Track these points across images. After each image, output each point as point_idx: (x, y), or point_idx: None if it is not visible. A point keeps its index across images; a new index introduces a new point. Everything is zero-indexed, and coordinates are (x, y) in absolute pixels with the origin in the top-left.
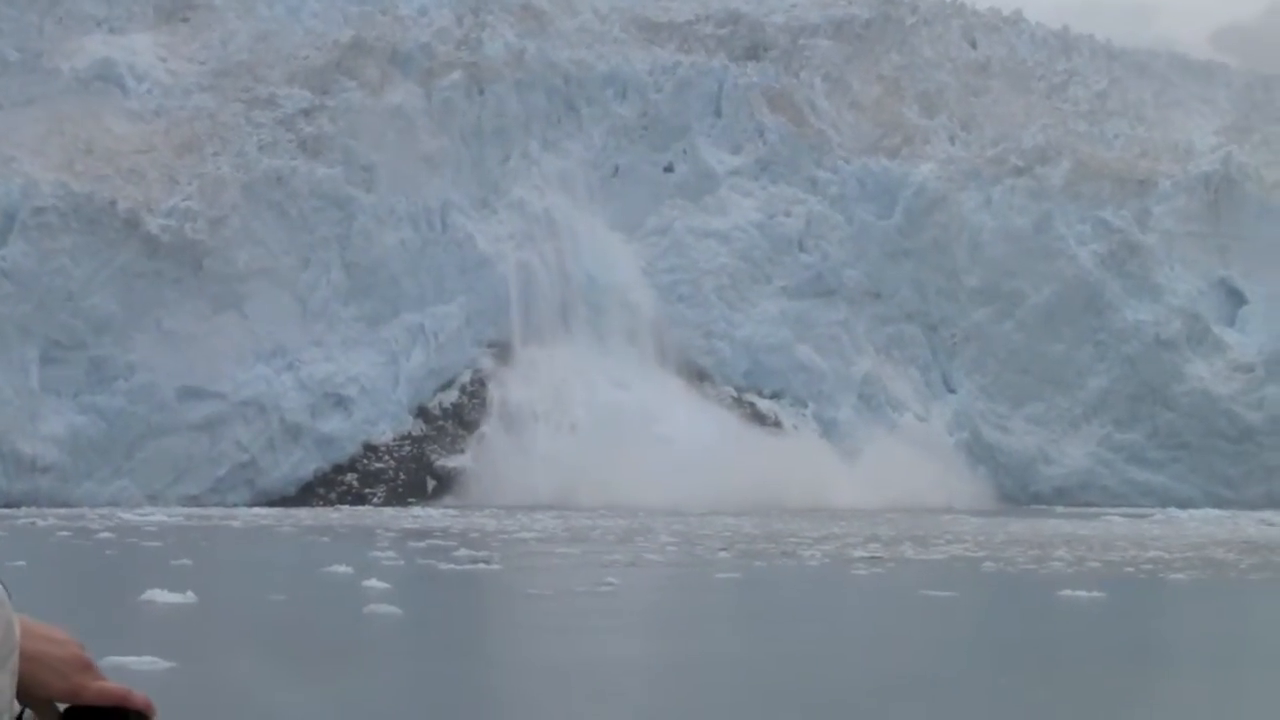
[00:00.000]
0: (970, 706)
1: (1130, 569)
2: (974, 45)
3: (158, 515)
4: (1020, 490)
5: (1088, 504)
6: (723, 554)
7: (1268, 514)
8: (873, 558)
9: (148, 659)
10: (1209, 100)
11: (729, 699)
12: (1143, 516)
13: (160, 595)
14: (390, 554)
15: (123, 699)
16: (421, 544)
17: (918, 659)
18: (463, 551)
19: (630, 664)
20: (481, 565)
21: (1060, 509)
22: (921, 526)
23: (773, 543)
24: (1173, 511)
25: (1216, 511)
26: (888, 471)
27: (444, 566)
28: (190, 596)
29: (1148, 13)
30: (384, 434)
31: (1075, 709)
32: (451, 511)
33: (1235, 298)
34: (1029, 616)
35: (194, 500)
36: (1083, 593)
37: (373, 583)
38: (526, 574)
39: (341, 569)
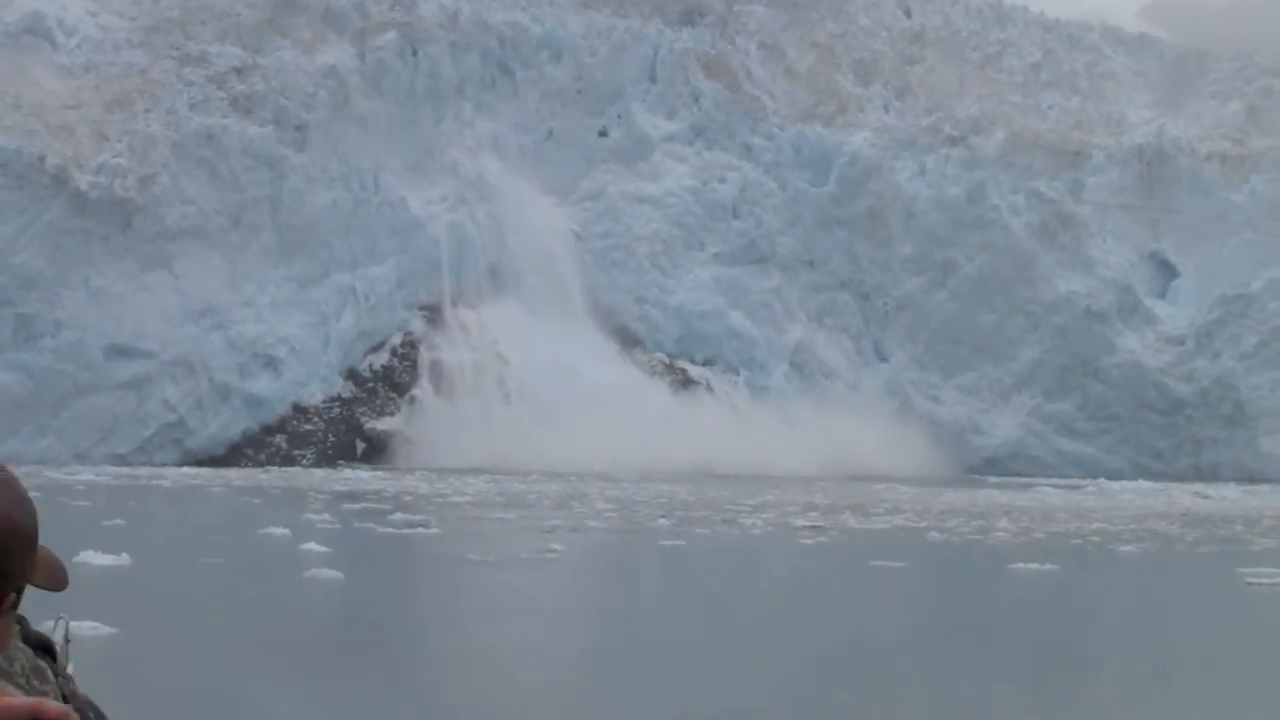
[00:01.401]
0: (955, 685)
1: (1077, 541)
2: (908, 14)
3: (85, 474)
4: (951, 460)
5: (1017, 474)
6: (662, 520)
7: (1198, 486)
8: (814, 526)
9: (89, 624)
10: (1141, 73)
11: (702, 678)
12: (1075, 488)
13: (95, 557)
14: (325, 517)
15: (35, 713)
16: (355, 507)
17: (887, 634)
18: (398, 515)
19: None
20: (420, 530)
21: (993, 479)
22: (856, 495)
23: (710, 510)
24: (1104, 483)
25: (1148, 483)
26: (819, 440)
27: (381, 530)
28: (125, 559)
29: None
30: (314, 395)
31: (1068, 685)
32: (382, 474)
33: (1167, 271)
34: (988, 589)
35: (121, 459)
36: (1035, 565)
37: (311, 546)
38: (466, 539)
39: (278, 531)
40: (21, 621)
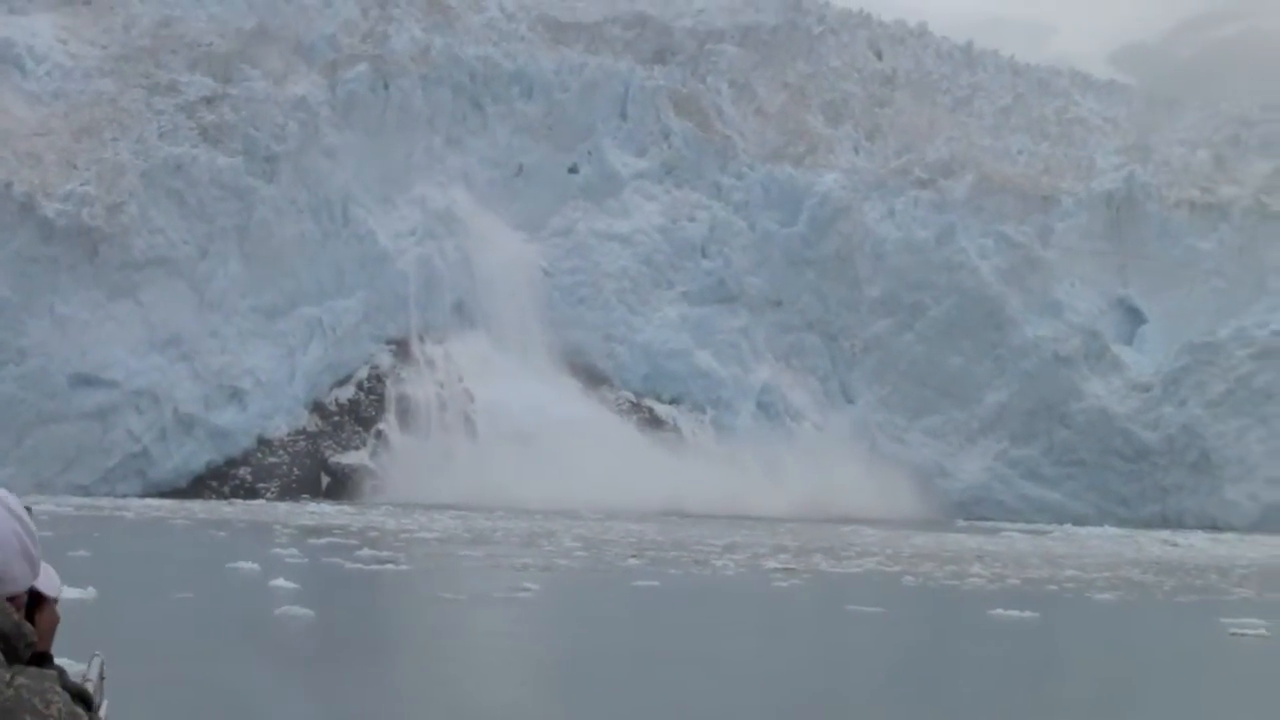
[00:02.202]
0: None
1: (1053, 587)
2: (879, 56)
3: (47, 504)
4: (916, 503)
5: (982, 518)
6: (633, 560)
7: (1164, 533)
8: (786, 569)
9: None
10: (1110, 119)
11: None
12: (1042, 533)
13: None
14: (292, 551)
15: None
16: (321, 541)
17: (874, 684)
18: (365, 551)
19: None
20: (389, 566)
21: (960, 522)
22: (825, 537)
23: (680, 550)
24: (1070, 528)
25: (1114, 529)
26: (784, 481)
27: (350, 566)
28: (92, 592)
29: (1047, 30)
30: (279, 428)
31: None
32: (347, 509)
33: (1134, 316)
34: (970, 637)
35: (83, 490)
36: (1015, 612)
37: (280, 582)
38: (436, 576)
39: (247, 565)
40: (60, 670)
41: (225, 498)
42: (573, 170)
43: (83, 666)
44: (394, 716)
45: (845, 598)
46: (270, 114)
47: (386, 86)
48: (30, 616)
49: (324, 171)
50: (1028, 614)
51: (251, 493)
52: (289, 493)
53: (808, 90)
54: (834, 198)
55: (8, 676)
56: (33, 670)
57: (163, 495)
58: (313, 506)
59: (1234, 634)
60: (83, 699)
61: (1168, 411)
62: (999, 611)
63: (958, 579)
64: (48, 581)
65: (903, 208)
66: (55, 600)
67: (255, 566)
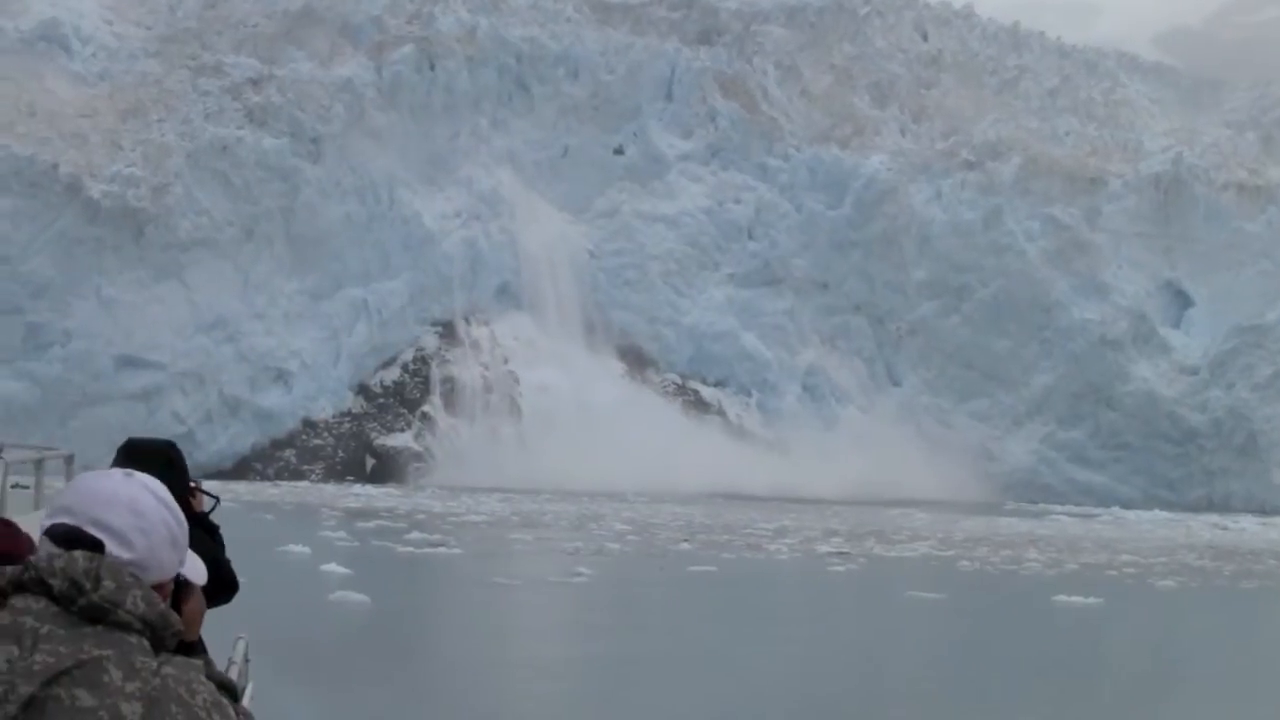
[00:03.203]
0: None
1: (1112, 573)
2: (925, 38)
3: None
4: (963, 486)
5: (1028, 501)
6: (685, 544)
7: (1212, 517)
8: (840, 553)
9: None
10: (1158, 101)
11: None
12: (1090, 516)
13: None
14: (341, 534)
15: None
16: (370, 524)
17: (952, 670)
18: (415, 534)
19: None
20: (440, 550)
21: (1007, 505)
22: (873, 520)
23: (730, 533)
24: (1118, 512)
25: (1163, 513)
26: (829, 463)
27: (400, 549)
28: None
29: (1092, 12)
30: (324, 410)
31: None
32: (393, 491)
33: (1182, 299)
34: (1040, 624)
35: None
36: (1079, 598)
37: (333, 567)
38: (488, 560)
39: (297, 549)
40: (207, 660)
41: (270, 480)
42: (618, 152)
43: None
44: (464, 710)
45: (904, 583)
46: (316, 95)
47: (432, 68)
48: (176, 605)
49: (369, 153)
50: (1092, 600)
51: (297, 475)
52: (334, 475)
53: (854, 72)
54: (880, 180)
55: (154, 665)
56: (179, 660)
57: (207, 477)
58: (358, 489)
59: None
60: (228, 689)
61: (1215, 395)
62: (1062, 598)
63: (1015, 564)
64: (193, 569)
65: (949, 190)
66: (200, 587)
67: (306, 550)
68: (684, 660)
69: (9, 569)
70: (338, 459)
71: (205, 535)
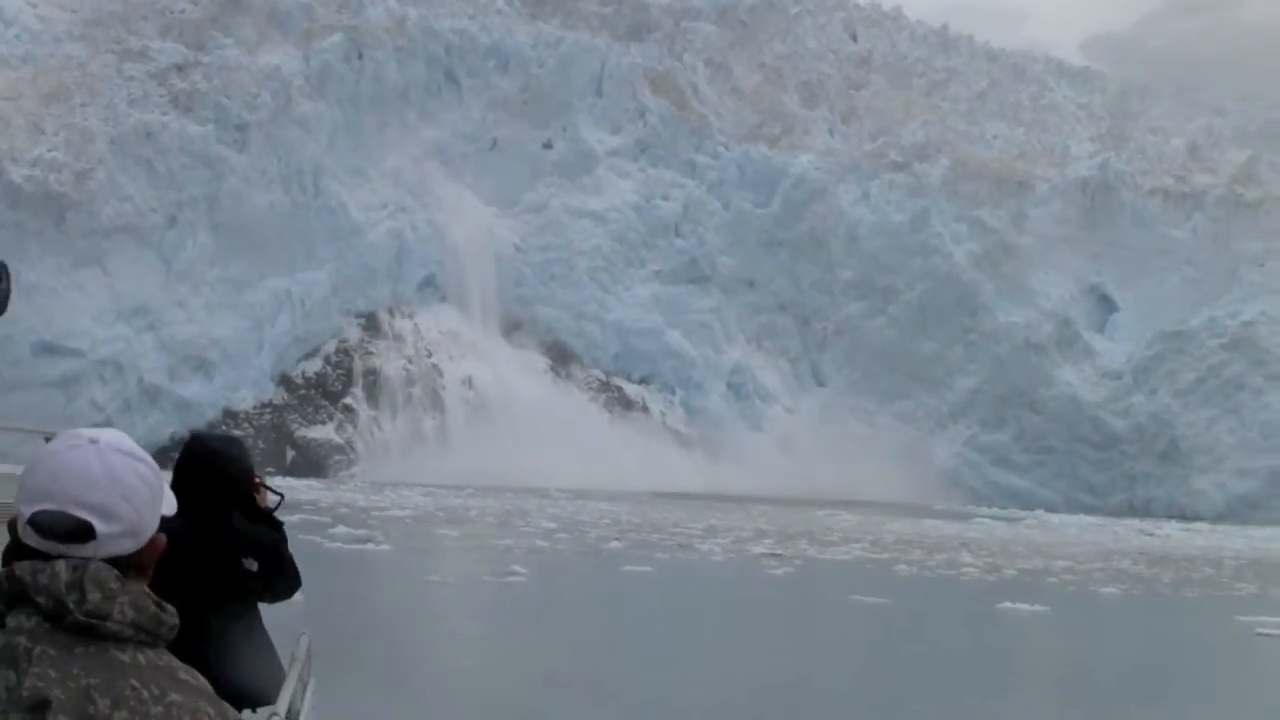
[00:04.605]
0: None
1: (1052, 580)
2: (855, 38)
3: (7, 470)
4: (886, 487)
5: (951, 504)
6: (616, 543)
7: (1135, 522)
8: (773, 554)
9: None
10: (1084, 106)
11: None
12: (1015, 520)
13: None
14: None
15: None
16: (293, 518)
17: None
18: (340, 529)
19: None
20: (369, 546)
21: (934, 507)
22: (800, 521)
23: (659, 532)
24: (1042, 516)
25: (1087, 518)
26: (754, 462)
27: (329, 545)
28: None
29: (1019, 17)
30: (245, 400)
31: None
32: (314, 484)
33: (1106, 304)
34: (987, 631)
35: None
36: (1024, 605)
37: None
38: (419, 557)
39: None
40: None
41: None
42: (547, 146)
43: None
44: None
45: (845, 587)
46: (243, 83)
47: (361, 57)
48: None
49: (296, 142)
50: (1038, 608)
51: None
52: (254, 466)
53: (784, 71)
54: (809, 179)
55: (157, 691)
56: (189, 684)
57: None
58: (279, 481)
59: (1261, 634)
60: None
61: (1138, 400)
62: (1008, 605)
63: (952, 568)
64: (169, 505)
65: (877, 191)
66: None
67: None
68: (642, 665)
69: None
70: (258, 450)
71: (270, 530)
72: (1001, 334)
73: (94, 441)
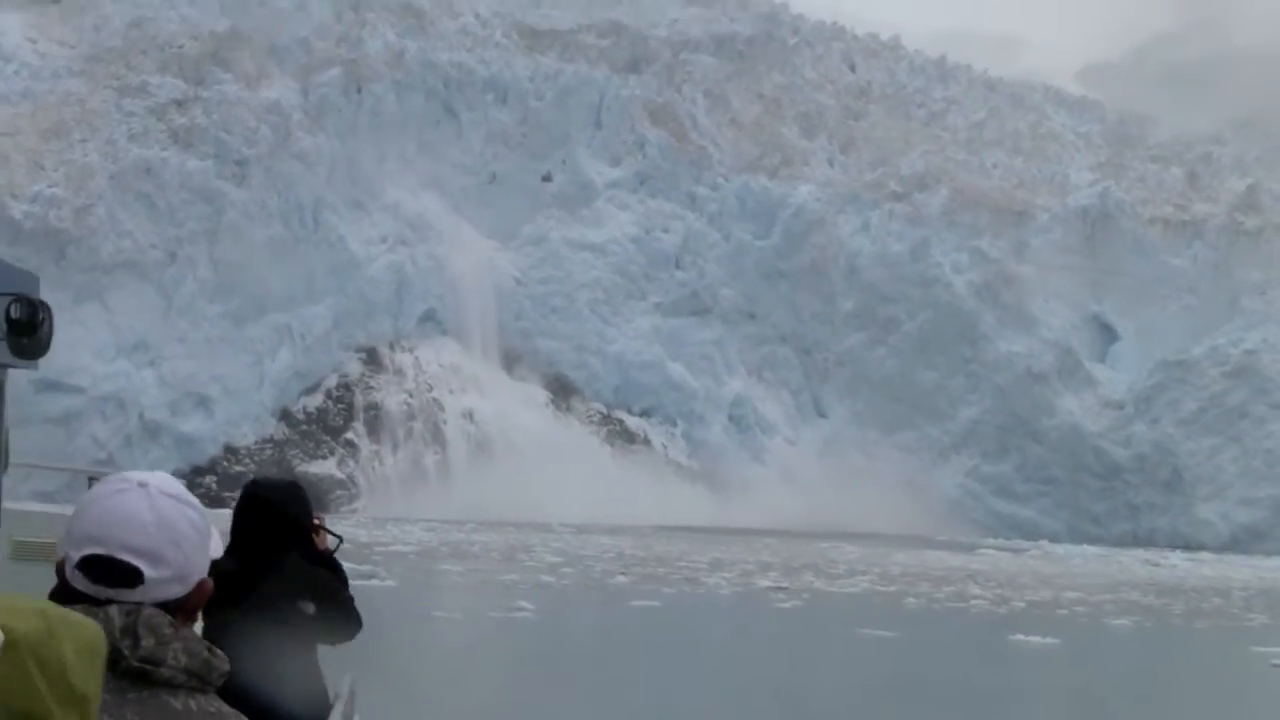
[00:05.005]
0: None
1: (1062, 612)
2: (853, 69)
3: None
4: (888, 519)
5: (953, 535)
6: (621, 577)
7: (1139, 552)
8: (780, 588)
9: None
10: (1083, 135)
11: None
12: (1020, 551)
13: None
14: None
15: None
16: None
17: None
18: (345, 565)
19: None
20: (374, 581)
21: (938, 538)
22: (804, 554)
23: (664, 566)
24: (1046, 546)
25: (1091, 549)
26: (756, 494)
27: None
28: None
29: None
30: (245, 436)
31: None
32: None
33: (1108, 333)
34: (1001, 665)
35: (47, 497)
36: (1035, 638)
37: None
38: (425, 593)
39: None
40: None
41: None
42: (546, 179)
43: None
44: None
45: (853, 620)
46: (242, 117)
47: (359, 91)
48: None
49: (295, 176)
50: (1049, 640)
51: (218, 502)
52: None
53: (782, 102)
54: (808, 210)
55: None
56: None
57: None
58: None
59: (1277, 665)
60: None
61: (1140, 429)
62: (1019, 637)
63: (960, 600)
64: (216, 548)
65: (877, 221)
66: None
67: None
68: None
69: None
70: None
71: (329, 573)
72: (1003, 364)
73: (142, 485)
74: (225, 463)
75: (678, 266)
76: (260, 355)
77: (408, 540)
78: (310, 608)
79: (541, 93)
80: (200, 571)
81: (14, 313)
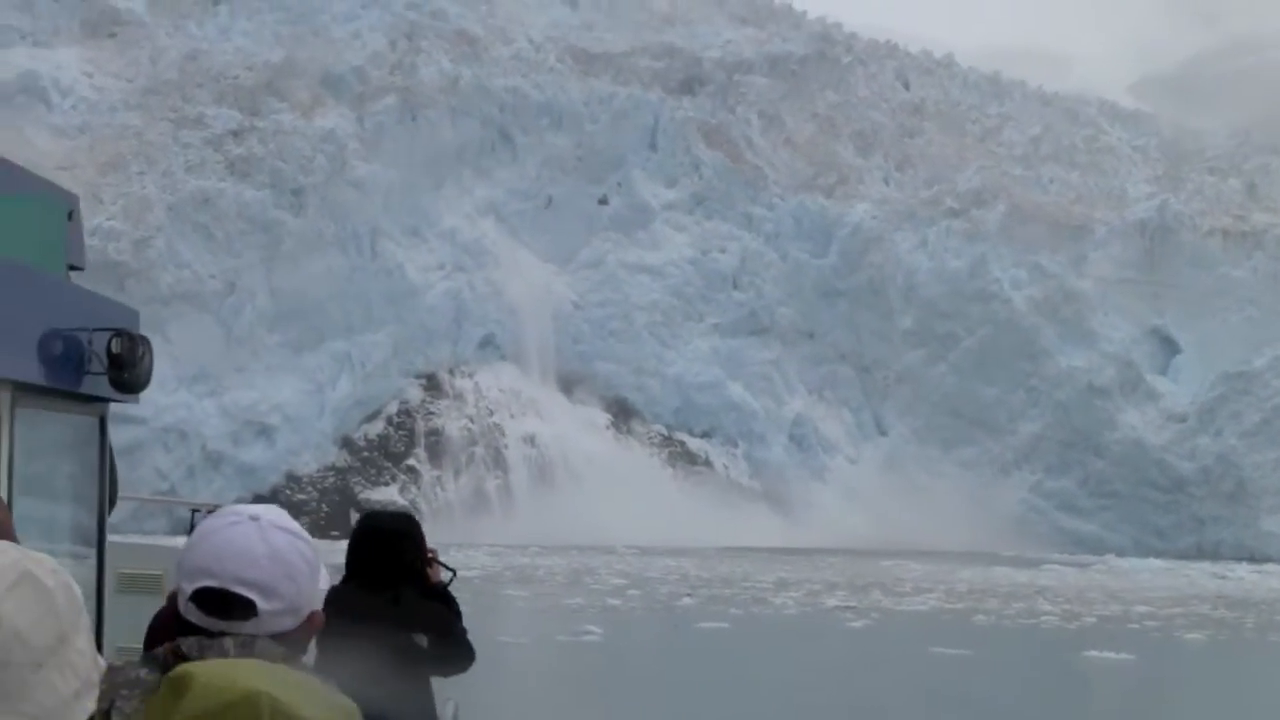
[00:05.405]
0: None
1: (1134, 626)
2: (907, 86)
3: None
4: (952, 535)
5: (1018, 550)
6: (687, 599)
7: (1205, 565)
8: (849, 607)
9: None
10: (1139, 148)
11: None
12: (1085, 566)
13: None
14: None
15: None
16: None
17: None
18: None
19: None
20: None
21: (1003, 554)
22: (869, 572)
23: (730, 587)
24: (1112, 561)
25: (1157, 562)
26: (819, 513)
27: None
28: None
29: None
30: (307, 464)
31: None
32: None
33: (1169, 346)
34: (1077, 682)
35: (111, 528)
36: (1109, 654)
37: None
38: (490, 617)
39: None
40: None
41: None
42: (602, 201)
43: None
44: None
45: (925, 639)
46: (297, 147)
47: (414, 118)
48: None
49: (352, 204)
50: (1124, 656)
51: None
52: (318, 530)
53: (837, 120)
54: (865, 228)
55: None
56: None
57: (190, 534)
58: (343, 545)
59: None
60: None
61: (1203, 442)
62: (1094, 653)
63: (1030, 617)
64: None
65: (934, 238)
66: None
67: None
68: None
69: (157, 653)
70: (322, 514)
71: (443, 606)
72: (1064, 379)
73: (255, 519)
74: (287, 491)
75: (735, 287)
76: (320, 384)
77: (471, 565)
78: (425, 640)
79: (596, 116)
80: (311, 604)
81: (115, 348)
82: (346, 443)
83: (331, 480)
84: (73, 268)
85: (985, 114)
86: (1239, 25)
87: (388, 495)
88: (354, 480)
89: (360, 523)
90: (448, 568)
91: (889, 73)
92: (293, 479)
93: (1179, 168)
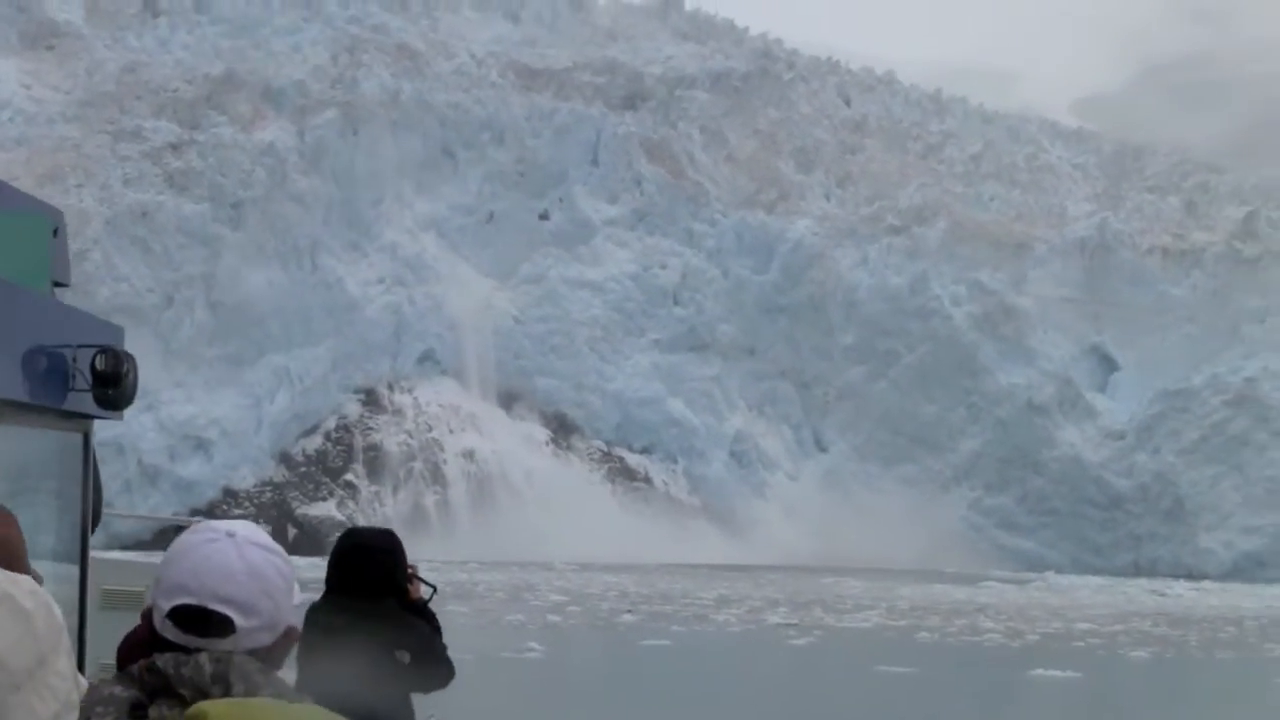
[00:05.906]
0: None
1: (1079, 644)
2: (848, 103)
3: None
4: (891, 552)
5: (956, 567)
6: (628, 616)
7: (1142, 582)
8: (790, 624)
9: None
10: (1080, 166)
11: None
12: (1024, 582)
13: None
14: None
15: None
16: (298, 599)
17: None
18: None
19: None
20: None
21: (943, 571)
22: (809, 589)
23: (670, 603)
24: (1051, 578)
25: (1095, 579)
26: (758, 529)
27: None
28: None
29: (1010, 79)
30: (245, 479)
31: None
32: (318, 562)
33: (1107, 364)
34: (1025, 701)
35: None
36: (1055, 672)
37: None
38: None
39: None
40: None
41: None
42: (544, 217)
43: None
44: None
45: (869, 657)
46: (237, 160)
47: (356, 132)
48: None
49: (292, 218)
50: (1070, 674)
51: None
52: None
53: (778, 137)
54: (806, 245)
55: None
56: None
57: (125, 548)
58: None
59: None
60: None
61: (1141, 459)
62: (1040, 672)
63: (974, 634)
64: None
65: (875, 255)
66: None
67: None
68: None
69: (132, 670)
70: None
71: (423, 622)
72: (1003, 396)
73: (231, 535)
74: (225, 506)
75: (676, 303)
76: (259, 398)
77: None
78: (406, 656)
79: (538, 131)
80: (288, 619)
81: (99, 364)
82: (284, 458)
83: (269, 495)
84: (57, 284)
85: (926, 131)
86: (1178, 46)
87: (325, 511)
88: (291, 496)
89: (343, 538)
90: (428, 584)
91: (830, 90)
92: (230, 494)
93: (1119, 186)
